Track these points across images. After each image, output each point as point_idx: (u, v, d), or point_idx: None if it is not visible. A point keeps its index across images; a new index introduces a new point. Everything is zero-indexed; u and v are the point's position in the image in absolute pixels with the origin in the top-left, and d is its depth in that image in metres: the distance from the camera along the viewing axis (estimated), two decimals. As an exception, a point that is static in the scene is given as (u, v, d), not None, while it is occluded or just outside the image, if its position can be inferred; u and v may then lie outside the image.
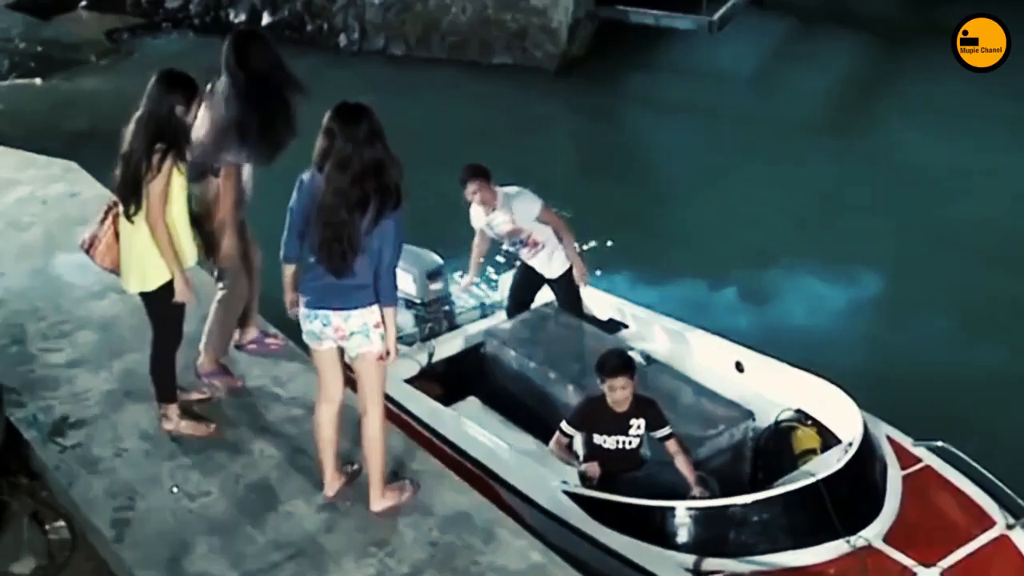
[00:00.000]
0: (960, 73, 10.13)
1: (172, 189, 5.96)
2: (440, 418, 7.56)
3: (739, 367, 7.87)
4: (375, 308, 5.62)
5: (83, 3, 19.69)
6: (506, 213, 8.23)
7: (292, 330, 7.75)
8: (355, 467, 6.31)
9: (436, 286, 8.72)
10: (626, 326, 8.61)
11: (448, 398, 7.98)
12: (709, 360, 7.97)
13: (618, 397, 6.72)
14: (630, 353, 7.33)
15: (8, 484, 6.54)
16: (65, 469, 6.49)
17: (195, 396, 6.94)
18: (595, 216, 12.11)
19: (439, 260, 8.88)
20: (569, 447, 7.01)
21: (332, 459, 6.14)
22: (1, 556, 6.13)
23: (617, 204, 12.79)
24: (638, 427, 6.81)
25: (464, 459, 7.18)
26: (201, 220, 6.42)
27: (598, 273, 10.39)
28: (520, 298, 8.71)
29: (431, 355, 8.30)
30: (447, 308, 8.86)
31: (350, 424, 6.19)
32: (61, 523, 6.35)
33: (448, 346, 8.48)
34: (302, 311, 5.77)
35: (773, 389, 7.61)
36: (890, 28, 18.08)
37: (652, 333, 8.38)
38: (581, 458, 6.97)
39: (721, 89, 16.78)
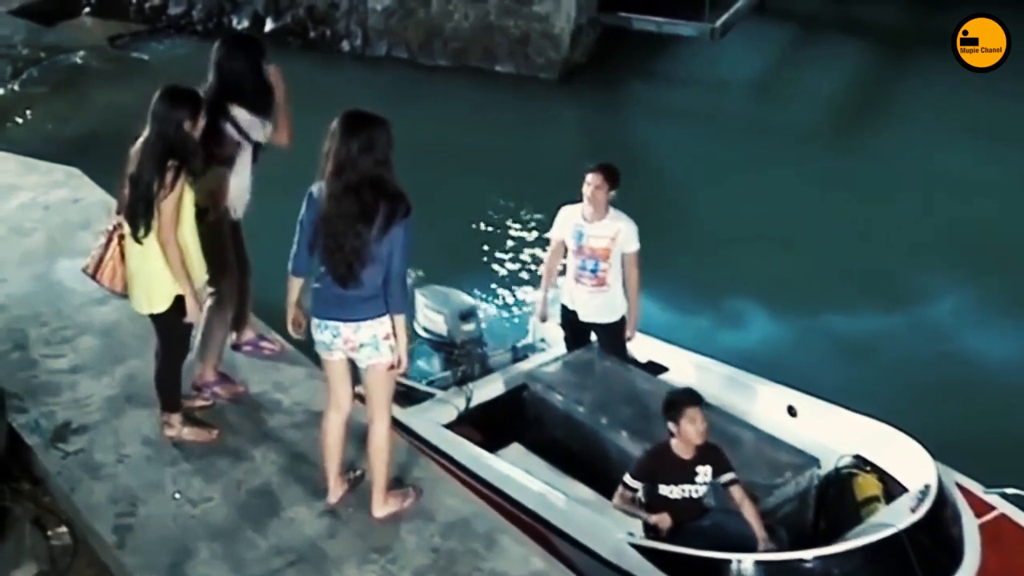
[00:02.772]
0: (965, 77, 10.13)
1: (183, 207, 5.97)
2: (486, 466, 7.19)
3: (791, 411, 7.57)
4: (385, 320, 5.60)
5: (86, 9, 19.76)
6: (611, 231, 7.74)
7: (288, 335, 7.82)
8: (358, 473, 6.32)
9: (469, 327, 8.51)
10: (666, 368, 8.28)
11: (490, 444, 7.55)
12: (759, 404, 7.67)
13: (695, 432, 6.31)
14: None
15: (10, 489, 6.52)
16: (67, 475, 6.48)
17: (198, 403, 6.94)
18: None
19: (471, 301, 8.75)
20: (633, 500, 6.58)
21: (337, 466, 6.14)
22: (3, 562, 6.11)
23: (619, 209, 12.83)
24: (704, 474, 6.44)
25: (515, 508, 6.81)
26: (206, 212, 6.41)
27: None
28: (574, 345, 8.26)
29: (469, 399, 7.94)
30: (480, 350, 8.64)
31: (354, 431, 6.21)
32: (63, 528, 6.33)
33: (486, 390, 8.11)
34: (313, 321, 5.76)
35: (829, 434, 7.30)
36: (893, 34, 18.12)
37: (695, 376, 8.01)
38: (644, 508, 6.57)
39: (723, 96, 16.83)
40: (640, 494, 6.55)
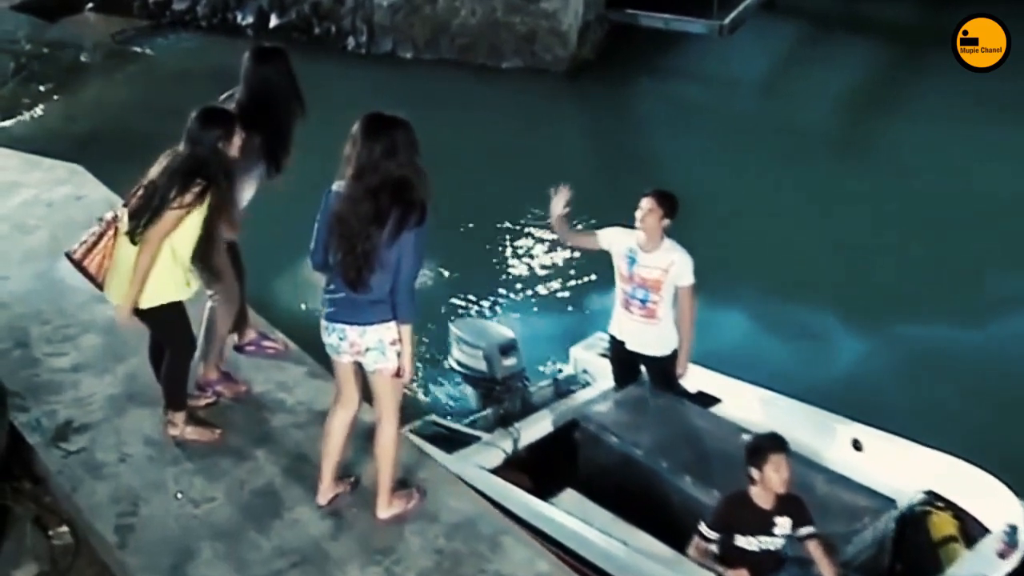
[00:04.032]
0: (975, 77, 10.10)
1: (191, 219, 5.98)
2: (542, 515, 6.88)
3: (856, 445, 7.33)
4: (392, 325, 5.59)
5: (89, 5, 19.78)
6: (663, 261, 7.41)
7: (293, 334, 7.82)
8: (351, 479, 6.32)
9: (510, 361, 8.28)
10: (718, 400, 7.97)
11: (541, 490, 7.26)
12: (821, 439, 7.35)
13: (779, 480, 6.02)
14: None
15: (11, 489, 6.54)
16: (68, 474, 6.49)
17: (201, 402, 6.95)
18: (603, 223, 12.09)
19: (509, 333, 8.54)
20: (707, 551, 6.32)
21: (333, 467, 6.13)
22: (4, 561, 6.13)
23: (626, 211, 12.77)
24: (783, 526, 6.15)
25: (577, 561, 6.49)
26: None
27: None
28: (623, 379, 7.95)
29: (516, 441, 7.68)
30: (521, 385, 8.39)
31: (357, 434, 6.22)
32: (64, 528, 6.34)
33: (533, 430, 7.83)
34: (321, 322, 5.76)
35: (898, 469, 7.04)
36: (904, 31, 18.09)
37: (750, 408, 7.74)
38: (719, 561, 6.30)
39: (732, 94, 16.82)
40: (715, 546, 6.29)
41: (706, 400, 7.93)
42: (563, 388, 8.50)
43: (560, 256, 12.00)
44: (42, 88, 16.84)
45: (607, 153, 15.32)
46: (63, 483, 6.45)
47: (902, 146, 14.55)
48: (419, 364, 9.67)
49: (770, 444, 6.09)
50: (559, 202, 7.73)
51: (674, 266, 7.39)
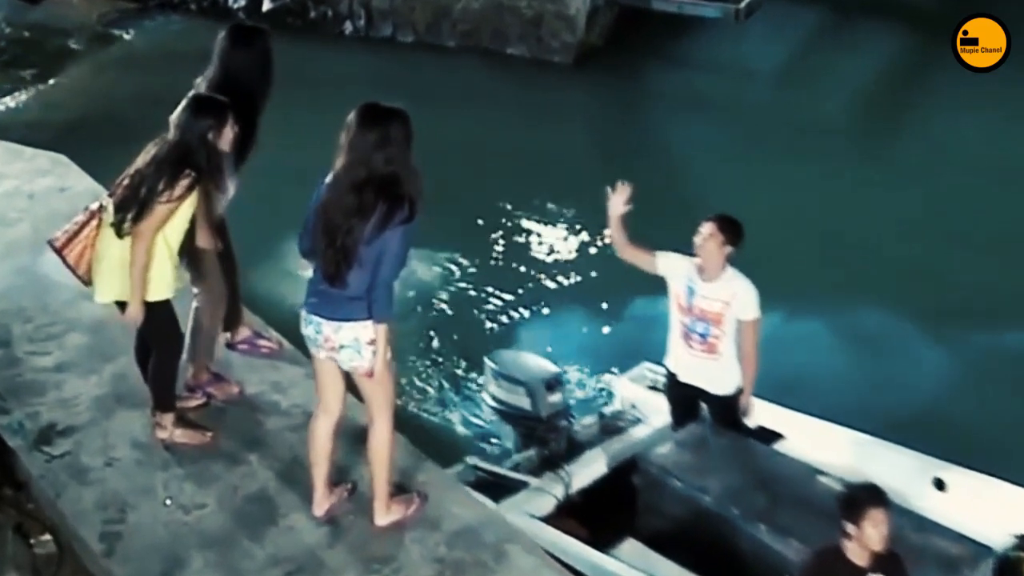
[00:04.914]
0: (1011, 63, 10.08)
1: (179, 214, 6.00)
2: (602, 569, 6.72)
3: (939, 485, 7.14)
4: (369, 324, 5.58)
5: (73, -14, 19.78)
6: (725, 293, 7.16)
7: (288, 333, 7.82)
8: (348, 486, 6.32)
9: (555, 398, 8.03)
10: (781, 436, 7.77)
11: (598, 540, 7.06)
12: (900, 478, 7.00)
13: (878, 537, 5.70)
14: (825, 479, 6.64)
15: (-8, 494, 6.58)
16: (52, 479, 6.50)
17: (191, 403, 6.95)
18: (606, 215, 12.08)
19: (554, 367, 8.31)
20: None
21: (324, 475, 6.13)
22: (-16, 570, 6.16)
23: (636, 206, 12.72)
24: None
25: None
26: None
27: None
28: (682, 417, 7.70)
29: (567, 486, 7.52)
30: (567, 422, 8.15)
31: (352, 436, 6.23)
32: (47, 536, 6.36)
33: (584, 473, 7.65)
34: (301, 313, 5.78)
35: (986, 511, 6.82)
36: (930, 17, 18.02)
37: (818, 445, 7.51)
38: None
39: (748, 82, 16.80)
40: None
41: (768, 436, 7.73)
42: (611, 425, 8.28)
43: (578, 262, 11.96)
44: (24, 74, 16.85)
45: (615, 145, 15.31)
46: (46, 488, 6.46)
47: (933, 139, 14.45)
48: (450, 399, 9.69)
49: (868, 497, 5.78)
50: (618, 201, 7.48)
51: (737, 298, 7.14)
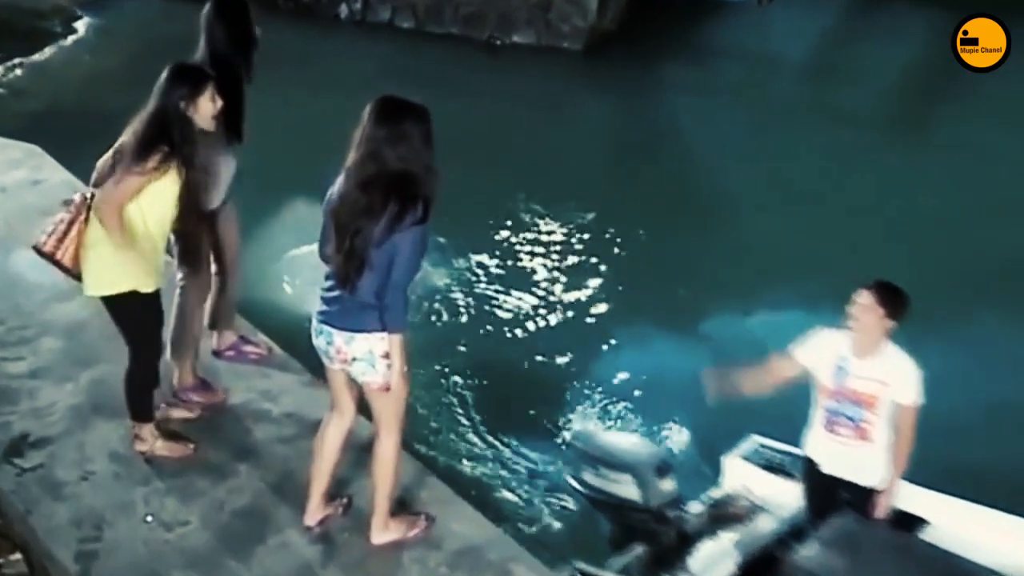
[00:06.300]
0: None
1: (162, 199, 6.00)
2: None
3: None
4: (385, 336, 5.57)
5: (48, -34, 19.79)
6: (882, 373, 6.60)
7: (279, 337, 7.82)
8: (344, 501, 6.33)
9: (668, 486, 7.46)
10: (926, 522, 7.10)
11: None
12: None
13: None
14: None
15: (-43, 511, 6.57)
16: (23, 494, 6.49)
17: (175, 414, 6.95)
18: (625, 220, 12.01)
19: (660, 448, 7.99)
20: None
21: (324, 483, 6.14)
22: (-51, 593, 6.16)
23: (650, 206, 12.69)
24: None
25: None
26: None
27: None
28: (821, 509, 7.03)
29: None
30: (679, 512, 7.55)
31: (354, 449, 6.24)
32: (17, 556, 6.36)
33: None
34: (313, 323, 5.78)
35: None
36: (968, 2, 17.98)
37: (974, 535, 6.87)
38: None
39: (771, 72, 16.77)
40: None
41: (909, 523, 7.10)
42: (724, 513, 7.73)
43: (609, 283, 11.57)
44: (-7, 58, 16.88)
45: (629, 139, 15.30)
46: (17, 504, 6.44)
47: (974, 132, 14.39)
48: (527, 486, 9.10)
49: None
50: (720, 387, 7.05)
51: (895, 378, 6.59)
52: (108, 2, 18.90)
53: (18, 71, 16.38)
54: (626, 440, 7.97)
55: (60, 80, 15.51)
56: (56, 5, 18.63)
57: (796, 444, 7.10)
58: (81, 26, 18.07)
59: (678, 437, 9.27)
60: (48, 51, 17.11)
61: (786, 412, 7.20)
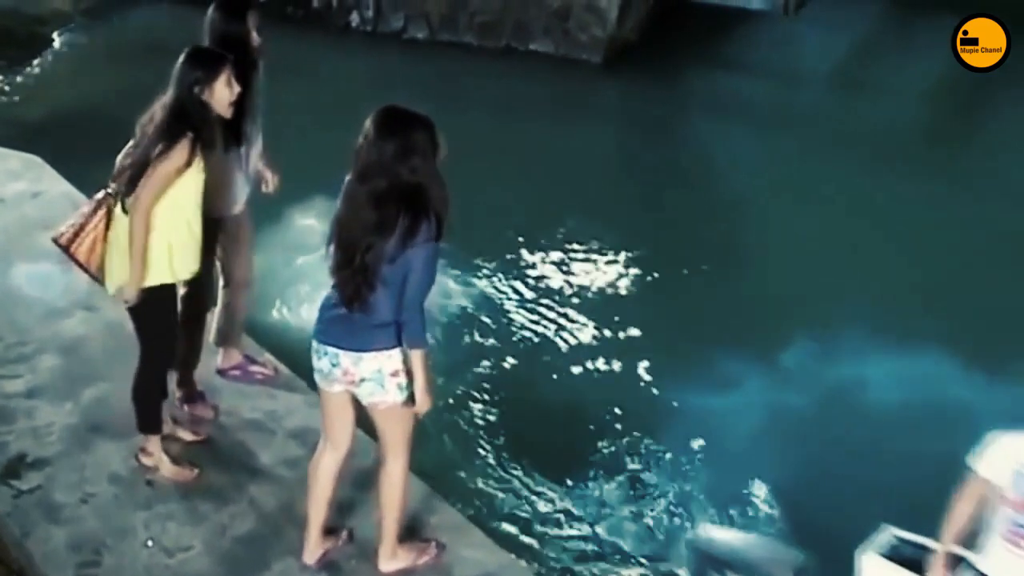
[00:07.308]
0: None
1: (190, 189, 6.05)
2: None
3: None
4: (395, 354, 5.58)
5: (49, -29, 19.86)
6: None
7: (287, 357, 7.83)
8: (346, 534, 6.34)
9: None
10: None
11: None
12: None
13: None
14: None
15: (-48, 534, 6.58)
16: (20, 516, 6.52)
17: (181, 434, 6.98)
18: (646, 241, 11.92)
19: (797, 553, 7.50)
20: None
21: (321, 519, 6.14)
22: (-58, 618, 6.17)
23: (672, 226, 12.60)
24: None
25: None
26: None
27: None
28: None
29: None
30: None
31: (360, 474, 6.22)
32: (14, 580, 6.38)
33: None
34: (312, 344, 5.77)
35: None
36: (1009, 8, 17.85)
37: None
38: None
39: (798, 86, 16.69)
40: None
41: None
42: None
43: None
44: (-7, 66, 16.92)
45: (650, 155, 15.18)
46: (13, 527, 6.46)
47: (1012, 156, 14.19)
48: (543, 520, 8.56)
49: None
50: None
51: None
52: (112, 9, 18.94)
53: (19, 78, 16.42)
54: (750, 541, 7.65)
55: (62, 88, 15.51)
56: (59, 11, 18.68)
57: (928, 534, 6.71)
58: (84, 33, 18.11)
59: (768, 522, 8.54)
60: (50, 58, 17.15)
61: (905, 494, 7.11)
